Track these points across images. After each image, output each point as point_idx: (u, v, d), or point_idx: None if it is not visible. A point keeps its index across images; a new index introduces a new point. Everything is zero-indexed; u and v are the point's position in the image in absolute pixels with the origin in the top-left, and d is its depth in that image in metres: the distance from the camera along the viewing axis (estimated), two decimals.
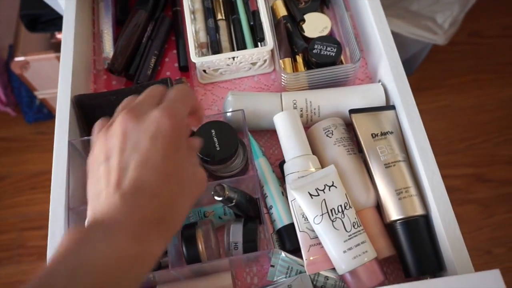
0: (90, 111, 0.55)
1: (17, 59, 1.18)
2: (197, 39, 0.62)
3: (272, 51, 0.60)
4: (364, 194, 0.50)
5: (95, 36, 0.67)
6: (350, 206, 0.47)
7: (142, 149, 0.32)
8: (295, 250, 0.49)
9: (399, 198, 0.48)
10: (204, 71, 0.61)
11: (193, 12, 0.64)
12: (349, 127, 0.55)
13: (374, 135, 0.51)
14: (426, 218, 0.48)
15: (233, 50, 0.62)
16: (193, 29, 0.62)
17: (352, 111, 0.53)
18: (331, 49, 0.57)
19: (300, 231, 0.48)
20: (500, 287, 0.39)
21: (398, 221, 0.48)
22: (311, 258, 0.47)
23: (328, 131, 0.52)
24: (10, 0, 1.25)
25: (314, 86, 0.58)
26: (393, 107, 0.54)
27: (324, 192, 0.47)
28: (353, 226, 0.46)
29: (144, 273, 0.31)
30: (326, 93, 0.57)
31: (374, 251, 0.47)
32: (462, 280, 0.40)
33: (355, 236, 0.46)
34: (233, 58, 0.59)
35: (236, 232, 0.48)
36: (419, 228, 0.47)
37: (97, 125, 0.36)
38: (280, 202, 0.51)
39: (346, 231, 0.45)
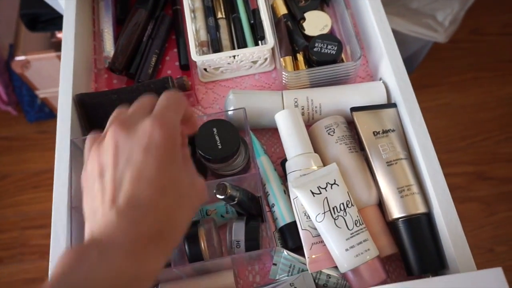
0: (91, 110, 0.55)
1: (17, 58, 1.18)
2: (198, 37, 0.62)
3: (272, 49, 0.60)
4: (366, 192, 0.50)
5: (96, 35, 0.67)
6: (352, 204, 0.47)
7: (135, 162, 0.31)
8: (297, 248, 0.49)
9: (401, 196, 0.48)
10: (205, 69, 0.61)
11: (193, 11, 0.64)
12: (351, 125, 0.55)
13: (375, 133, 0.51)
14: (428, 216, 0.48)
15: (233, 48, 0.62)
16: (194, 28, 0.62)
17: (354, 109, 0.53)
18: (332, 47, 0.57)
19: (302, 229, 0.48)
20: (502, 285, 0.39)
21: (400, 219, 0.48)
22: (313, 256, 0.47)
23: (330, 129, 0.52)
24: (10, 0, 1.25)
25: (315, 84, 0.58)
26: (394, 105, 0.54)
27: (326, 190, 0.47)
28: (355, 224, 0.46)
29: None
30: (327, 91, 0.57)
31: (376, 249, 0.47)
32: (464, 279, 0.40)
33: (357, 234, 0.46)
34: (234, 56, 0.59)
35: (238, 230, 0.48)
36: (421, 226, 0.47)
37: (89, 140, 0.35)
38: (282, 200, 0.51)
39: (348, 229, 0.46)
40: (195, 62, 0.60)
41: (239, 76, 0.63)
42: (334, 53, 0.57)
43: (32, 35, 1.17)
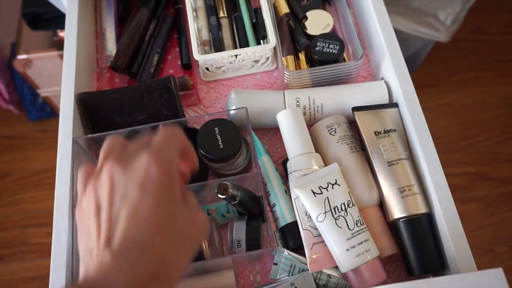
0: (93, 108, 0.56)
1: (19, 57, 1.18)
2: (200, 37, 0.62)
3: (274, 48, 0.60)
4: (367, 192, 0.50)
5: (98, 34, 0.68)
6: (353, 204, 0.47)
7: (131, 200, 0.30)
8: (298, 248, 0.49)
9: (402, 196, 0.48)
10: (207, 68, 0.61)
11: (195, 10, 0.64)
12: (352, 125, 0.55)
13: (377, 133, 0.51)
14: (429, 217, 0.48)
15: (235, 47, 0.62)
16: (196, 27, 0.62)
17: (355, 108, 0.53)
18: (334, 46, 0.57)
19: (303, 229, 0.48)
20: (502, 285, 0.39)
21: (401, 219, 0.48)
22: (314, 256, 0.47)
23: (331, 129, 0.52)
24: None
25: (317, 83, 0.58)
26: (396, 105, 0.54)
27: (327, 190, 0.47)
28: (356, 224, 0.46)
29: None
30: (329, 90, 0.57)
31: (377, 249, 0.47)
32: (465, 279, 0.40)
33: (358, 234, 0.46)
34: (236, 55, 0.59)
35: (239, 230, 0.48)
36: (422, 226, 0.47)
37: (81, 173, 0.34)
38: (283, 200, 0.51)
39: (349, 229, 0.46)
40: (197, 61, 0.60)
41: (241, 75, 0.63)
42: (336, 52, 0.57)
43: (34, 34, 1.17)
